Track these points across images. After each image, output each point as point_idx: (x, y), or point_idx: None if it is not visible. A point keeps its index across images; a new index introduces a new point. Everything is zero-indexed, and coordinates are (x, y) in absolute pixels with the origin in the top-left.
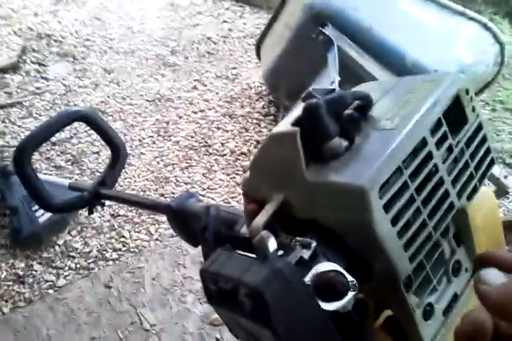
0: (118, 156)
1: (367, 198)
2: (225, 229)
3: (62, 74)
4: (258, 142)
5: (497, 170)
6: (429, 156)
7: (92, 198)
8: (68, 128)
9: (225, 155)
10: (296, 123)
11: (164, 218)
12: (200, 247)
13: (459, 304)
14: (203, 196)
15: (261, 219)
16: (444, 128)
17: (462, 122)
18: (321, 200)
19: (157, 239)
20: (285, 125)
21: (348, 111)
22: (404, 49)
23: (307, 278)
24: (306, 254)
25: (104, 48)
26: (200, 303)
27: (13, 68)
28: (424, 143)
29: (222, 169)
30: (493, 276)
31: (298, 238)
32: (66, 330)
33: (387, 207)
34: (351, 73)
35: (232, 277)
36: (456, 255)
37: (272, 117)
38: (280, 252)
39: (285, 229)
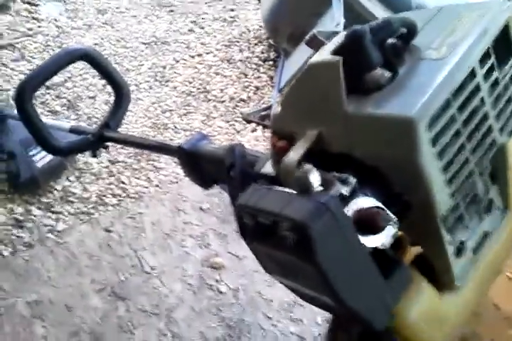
0: (121, 97)
1: (415, 131)
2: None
3: (53, 15)
4: (257, 88)
5: None
6: (477, 89)
7: (97, 141)
8: (62, 70)
9: (224, 101)
10: (337, 51)
11: (163, 165)
12: (200, 193)
13: (489, 242)
14: None
15: (295, 155)
16: (493, 59)
17: (508, 54)
18: (361, 134)
19: (157, 186)
20: (325, 54)
21: (391, 40)
22: None
23: (348, 214)
24: (346, 190)
25: None
26: (200, 248)
27: (2, 8)
28: (472, 74)
29: (221, 116)
30: None
31: (336, 174)
32: (67, 273)
33: (434, 141)
34: (355, 15)
35: (273, 211)
36: (489, 193)
37: (271, 62)
38: (319, 188)
39: (317, 166)
